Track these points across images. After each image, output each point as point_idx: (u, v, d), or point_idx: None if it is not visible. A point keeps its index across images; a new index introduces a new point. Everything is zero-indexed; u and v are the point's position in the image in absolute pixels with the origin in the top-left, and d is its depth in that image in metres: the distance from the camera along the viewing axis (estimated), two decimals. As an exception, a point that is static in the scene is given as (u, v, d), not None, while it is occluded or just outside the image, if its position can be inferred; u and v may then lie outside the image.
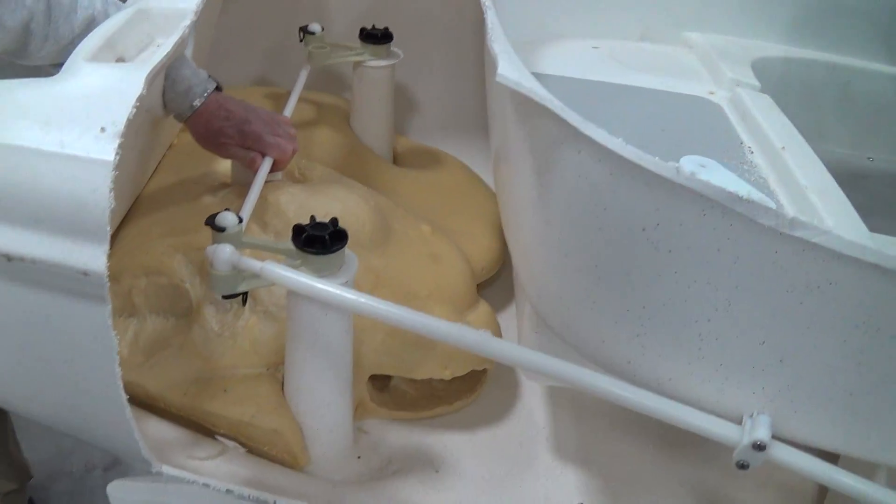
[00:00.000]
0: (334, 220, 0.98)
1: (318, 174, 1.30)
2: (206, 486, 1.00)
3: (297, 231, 0.97)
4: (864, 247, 0.78)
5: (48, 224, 0.81)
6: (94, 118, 0.82)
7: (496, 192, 1.27)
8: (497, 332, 1.23)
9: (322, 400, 1.07)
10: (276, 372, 1.12)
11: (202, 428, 1.11)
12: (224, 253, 0.93)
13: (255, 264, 0.93)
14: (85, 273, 0.80)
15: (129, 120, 0.81)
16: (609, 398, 0.89)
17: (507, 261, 1.47)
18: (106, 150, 0.79)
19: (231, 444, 1.10)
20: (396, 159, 1.65)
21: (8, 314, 0.88)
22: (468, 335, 0.90)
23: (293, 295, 0.98)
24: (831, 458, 0.91)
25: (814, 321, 0.83)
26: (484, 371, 1.24)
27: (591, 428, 1.25)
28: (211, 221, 0.98)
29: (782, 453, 0.87)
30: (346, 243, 0.97)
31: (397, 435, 1.20)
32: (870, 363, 0.85)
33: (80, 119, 0.82)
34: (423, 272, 1.22)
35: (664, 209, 0.81)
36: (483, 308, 1.24)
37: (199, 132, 1.17)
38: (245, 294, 0.98)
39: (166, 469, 1.00)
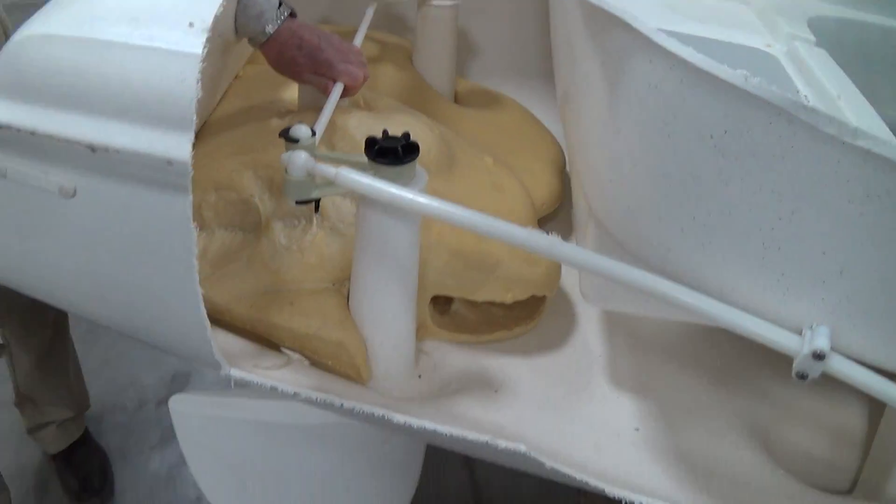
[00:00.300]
0: (406, 135, 1.02)
1: (383, 104, 1.34)
2: (274, 389, 1.04)
3: (370, 143, 1.00)
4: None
5: (134, 115, 0.86)
6: (181, 14, 0.86)
7: (563, 121, 1.29)
8: (548, 268, 1.25)
9: (387, 313, 1.11)
10: (341, 287, 1.16)
11: (267, 342, 1.16)
12: (300, 158, 0.96)
13: (329, 170, 0.96)
14: (169, 162, 0.85)
15: (215, 17, 0.86)
16: (673, 303, 0.91)
17: (566, 199, 1.50)
18: (194, 44, 0.84)
19: (296, 356, 1.14)
20: (457, 100, 1.68)
21: (87, 208, 0.92)
22: (540, 239, 0.93)
23: (364, 205, 1.01)
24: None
25: (873, 232, 0.85)
26: (543, 299, 1.28)
27: (647, 359, 1.28)
28: (285, 133, 1.01)
29: (840, 365, 0.89)
30: (417, 156, 1.00)
31: (457, 357, 1.24)
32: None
33: (168, 16, 0.87)
34: (486, 200, 1.25)
35: (732, 116, 0.84)
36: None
37: (272, 59, 1.21)
38: (317, 202, 1.02)
39: (234, 372, 1.04)
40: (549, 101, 1.67)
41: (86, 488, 1.84)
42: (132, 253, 0.95)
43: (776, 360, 1.30)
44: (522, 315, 1.28)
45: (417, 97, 1.51)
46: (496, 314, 1.28)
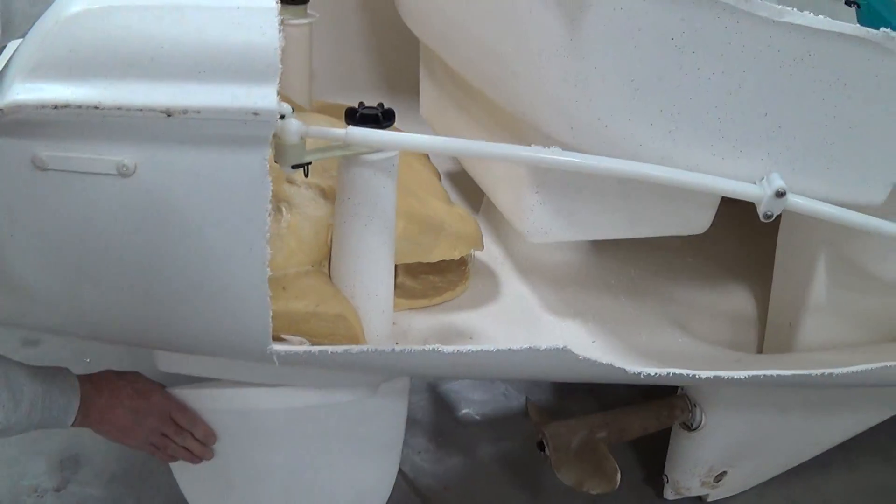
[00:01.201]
0: (381, 104, 1.13)
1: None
2: (324, 351, 1.09)
3: (351, 113, 1.11)
4: (832, 21, 1.08)
5: (213, 74, 0.91)
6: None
7: (481, 85, 1.41)
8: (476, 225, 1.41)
9: (375, 278, 1.20)
10: (320, 267, 1.23)
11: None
12: (292, 125, 1.01)
13: (338, 131, 1.06)
14: (255, 113, 0.91)
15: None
16: (655, 181, 1.13)
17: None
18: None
19: (297, 339, 1.19)
20: (314, 117, 1.77)
21: (146, 184, 0.93)
22: (523, 152, 1.11)
23: (354, 166, 1.10)
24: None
25: (800, 88, 1.14)
26: (466, 264, 1.42)
27: (569, 292, 1.48)
28: None
29: (797, 199, 1.15)
30: (394, 121, 1.12)
31: (421, 321, 1.34)
32: (840, 115, 1.15)
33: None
34: (411, 177, 1.38)
35: (688, 18, 1.07)
36: (458, 206, 1.42)
37: None
38: (307, 167, 1.09)
39: (278, 347, 1.08)
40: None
41: None
42: (192, 225, 0.96)
43: (672, 271, 1.56)
44: (455, 279, 1.41)
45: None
46: (434, 281, 1.40)
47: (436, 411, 1.88)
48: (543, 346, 1.12)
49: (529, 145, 1.12)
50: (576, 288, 1.49)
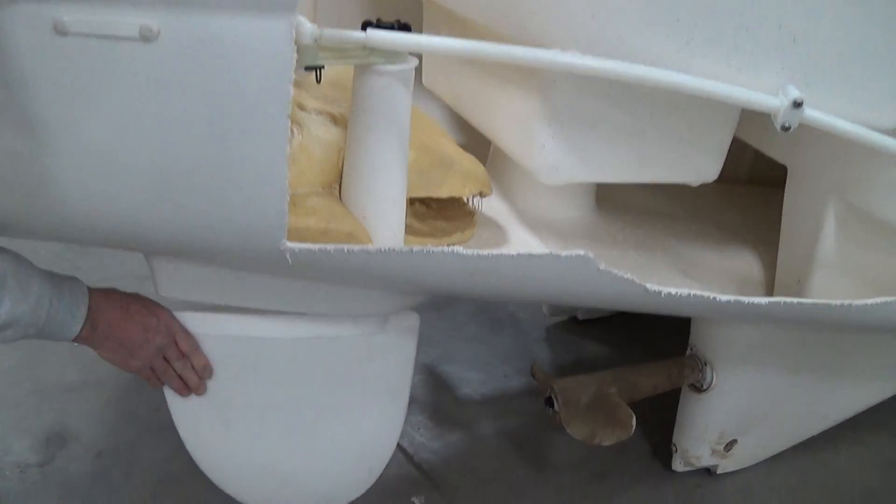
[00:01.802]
0: (398, 20, 1.14)
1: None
2: (339, 249, 1.07)
3: (366, 25, 1.12)
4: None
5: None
6: None
7: (491, 21, 1.42)
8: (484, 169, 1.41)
9: (388, 196, 1.19)
10: (331, 190, 1.22)
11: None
12: (306, 26, 1.01)
13: (357, 33, 1.06)
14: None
15: None
16: (675, 89, 1.14)
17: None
18: None
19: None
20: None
21: (168, 51, 0.92)
22: (559, 56, 1.12)
23: (371, 75, 1.11)
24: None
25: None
26: (472, 213, 1.42)
27: (578, 245, 1.44)
28: None
29: (814, 113, 1.17)
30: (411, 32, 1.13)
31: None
32: (854, 32, 1.18)
33: None
34: (421, 121, 1.39)
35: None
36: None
37: None
38: (318, 72, 1.09)
39: (290, 245, 1.06)
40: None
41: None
42: (213, 94, 0.95)
43: (679, 234, 1.58)
44: (462, 225, 1.41)
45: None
46: (441, 225, 1.39)
47: (434, 390, 1.86)
48: (565, 254, 1.12)
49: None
50: (584, 242, 1.49)
